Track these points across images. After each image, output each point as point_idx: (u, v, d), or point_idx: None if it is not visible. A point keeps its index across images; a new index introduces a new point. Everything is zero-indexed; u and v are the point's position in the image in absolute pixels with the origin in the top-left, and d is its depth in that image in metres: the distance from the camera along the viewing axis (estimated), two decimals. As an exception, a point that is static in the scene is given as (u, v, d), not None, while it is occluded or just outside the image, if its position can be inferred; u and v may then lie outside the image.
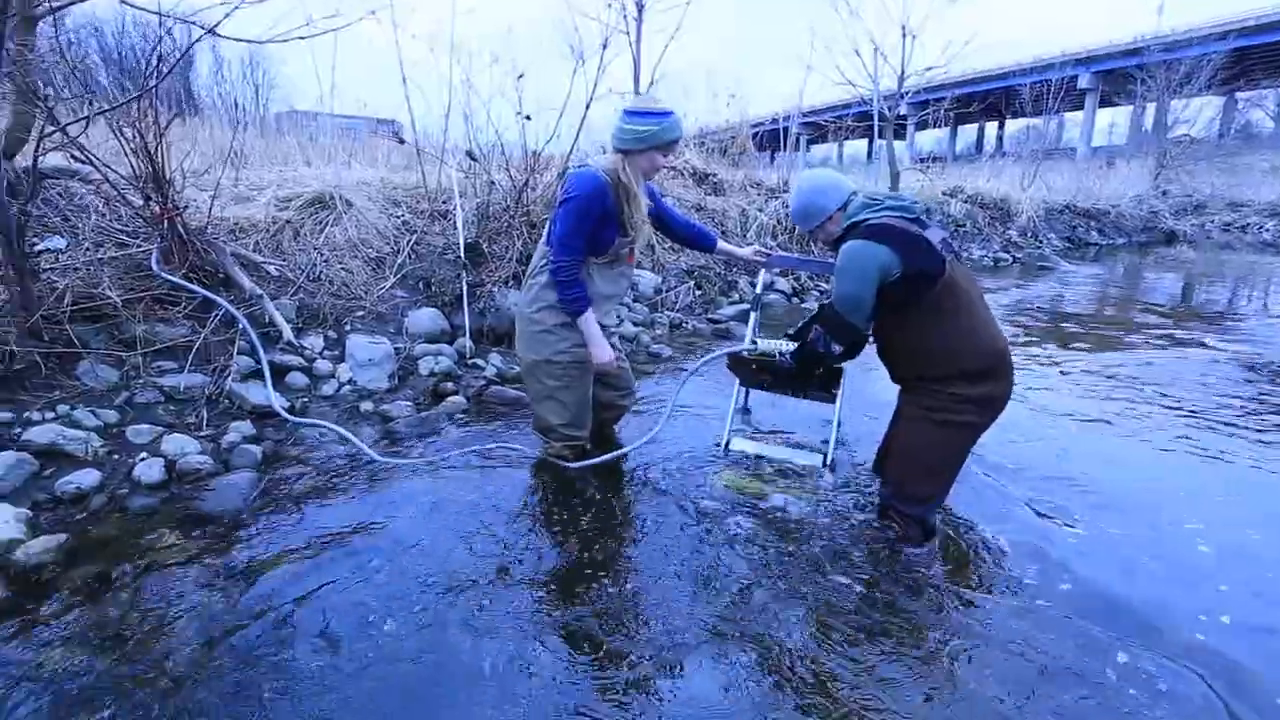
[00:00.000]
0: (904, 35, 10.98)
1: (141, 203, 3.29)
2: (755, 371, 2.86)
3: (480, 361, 3.88)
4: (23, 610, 1.78)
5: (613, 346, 2.73)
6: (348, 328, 3.71)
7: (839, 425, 2.87)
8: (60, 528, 2.14)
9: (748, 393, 3.29)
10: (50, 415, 2.55)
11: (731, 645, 1.73)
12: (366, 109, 8.11)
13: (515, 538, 2.22)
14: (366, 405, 3.25)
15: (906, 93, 11.72)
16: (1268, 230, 17.24)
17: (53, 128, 2.86)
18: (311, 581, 1.93)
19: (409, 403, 3.34)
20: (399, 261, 4.29)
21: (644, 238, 2.55)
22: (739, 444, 2.93)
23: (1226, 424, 3.41)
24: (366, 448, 2.77)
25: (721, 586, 1.98)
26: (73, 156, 3.25)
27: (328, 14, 3.32)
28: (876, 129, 12.24)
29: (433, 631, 1.74)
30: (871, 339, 2.23)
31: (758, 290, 3.23)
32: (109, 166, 3.23)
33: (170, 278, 3.18)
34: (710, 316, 5.72)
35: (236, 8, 3.06)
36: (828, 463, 2.75)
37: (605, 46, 5.17)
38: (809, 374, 2.59)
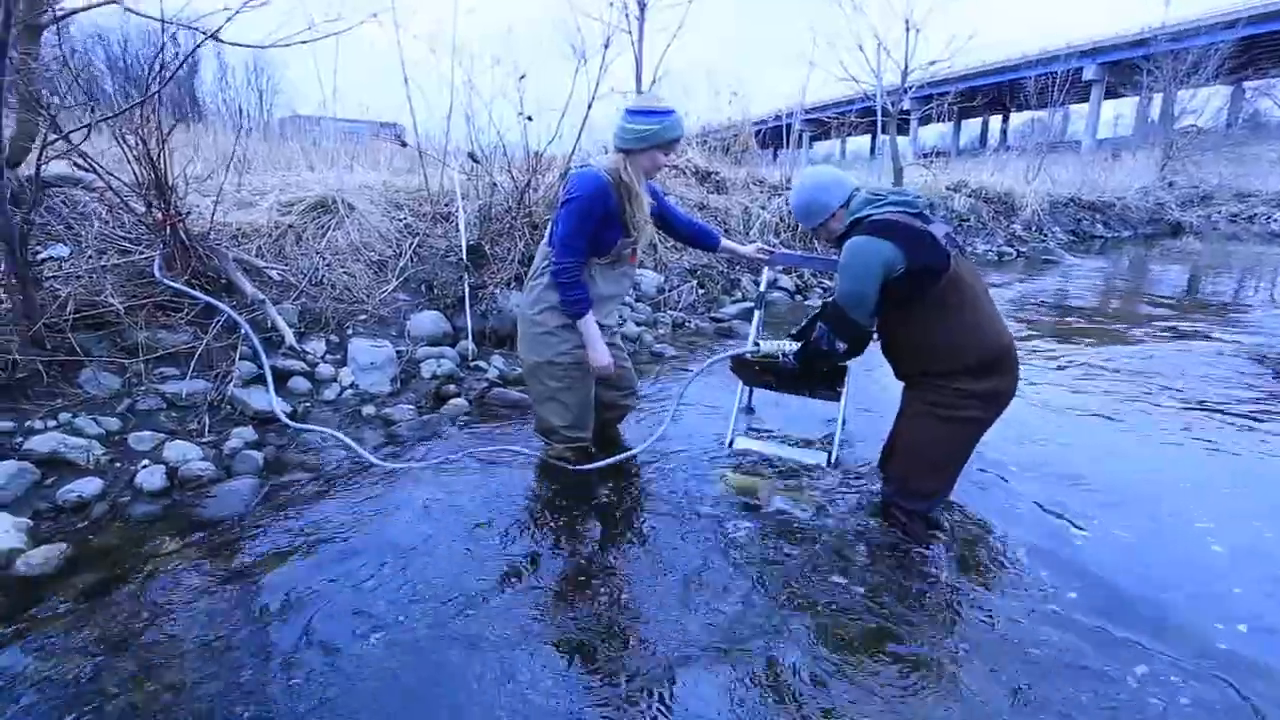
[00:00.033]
0: (907, 29, 10.92)
1: (144, 209, 3.29)
2: (758, 373, 2.85)
3: (483, 363, 3.87)
4: (24, 619, 1.77)
5: (615, 346, 2.72)
6: (350, 331, 3.71)
7: (843, 423, 2.85)
8: (61, 536, 2.14)
9: (751, 391, 3.27)
10: (52, 424, 2.55)
11: (734, 652, 1.71)
12: (369, 113, 8.12)
13: (516, 542, 2.21)
14: (369, 409, 3.25)
15: (910, 87, 11.67)
16: (1276, 220, 17.09)
17: (55, 136, 2.87)
18: (313, 588, 1.93)
19: (411, 406, 3.33)
20: (401, 264, 4.29)
21: (646, 237, 2.53)
22: (743, 442, 2.91)
23: (1233, 417, 3.37)
24: (367, 453, 2.77)
25: (724, 590, 1.96)
26: (76, 164, 3.26)
27: (330, 18, 3.32)
28: (880, 124, 12.19)
29: (432, 639, 1.73)
30: (875, 336, 2.21)
31: (761, 288, 3.21)
32: (112, 174, 3.24)
33: (172, 284, 3.18)
34: (713, 315, 5.70)
35: (237, 12, 3.07)
36: (832, 460, 2.73)
37: (607, 46, 5.16)
38: (813, 373, 2.57)
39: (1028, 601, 1.92)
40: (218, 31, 2.96)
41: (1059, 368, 4.30)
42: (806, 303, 6.65)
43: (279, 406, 2.99)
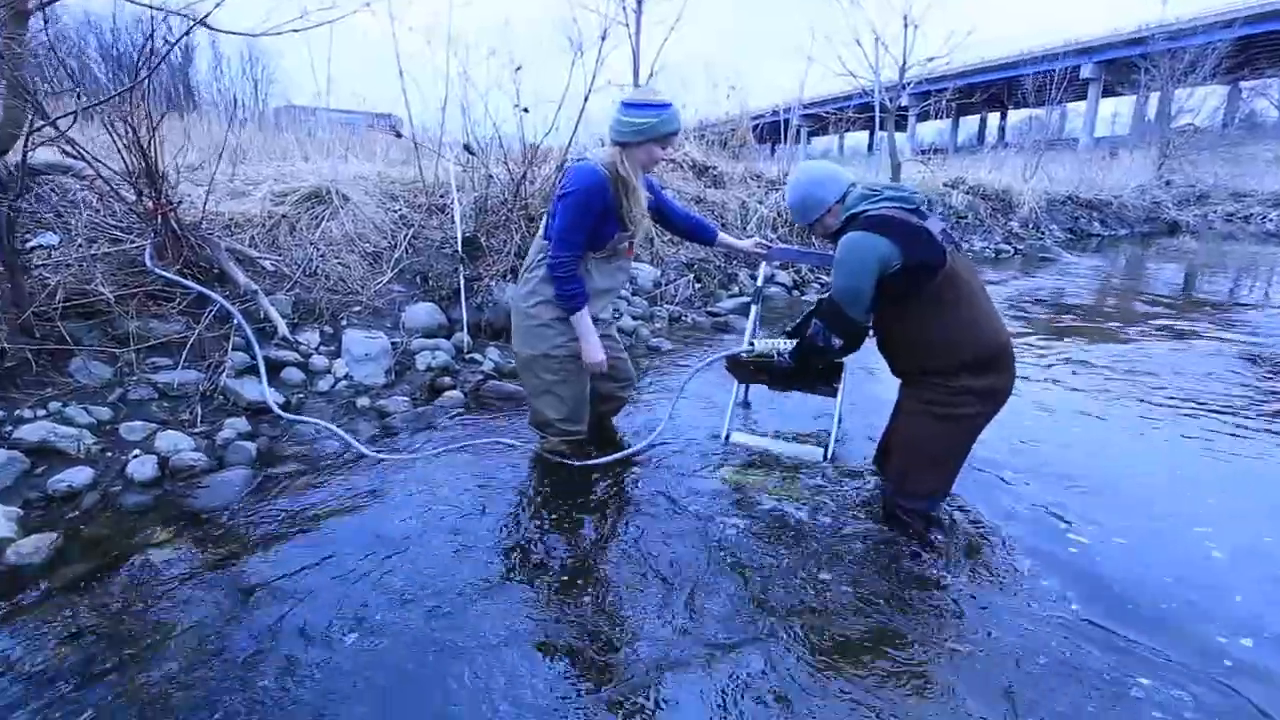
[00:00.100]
0: (906, 25, 10.90)
1: (135, 198, 3.26)
2: (754, 372, 2.84)
3: (478, 356, 3.85)
4: (13, 609, 1.76)
5: (610, 338, 2.71)
6: (344, 323, 3.68)
7: (840, 419, 2.85)
8: (52, 526, 2.12)
9: (748, 386, 3.27)
10: (42, 413, 2.53)
11: (724, 653, 1.69)
12: (365, 103, 8.07)
13: (508, 537, 2.20)
14: (363, 401, 3.23)
15: (908, 83, 11.65)
16: (1271, 220, 17.14)
17: (42, 122, 2.83)
18: (303, 580, 1.92)
19: (406, 398, 3.31)
20: (396, 256, 4.26)
21: (643, 231, 2.52)
22: (739, 437, 2.91)
23: (1230, 416, 3.37)
24: (360, 445, 2.75)
25: (716, 590, 1.94)
26: (64, 151, 3.23)
27: (323, 5, 3.28)
28: (878, 120, 12.17)
29: (421, 635, 1.72)
30: (871, 332, 2.20)
31: (758, 283, 3.20)
32: (101, 161, 3.20)
33: (164, 273, 3.15)
34: (710, 310, 5.69)
35: (227, -3, 3.02)
36: (828, 455, 2.73)
37: (604, 38, 5.12)
38: (809, 370, 2.56)
39: (1027, 603, 1.90)
40: (206, 17, 2.91)
41: (1056, 366, 4.30)
42: (804, 298, 6.64)
43: (272, 397, 2.97)
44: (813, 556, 2.09)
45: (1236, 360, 4.42)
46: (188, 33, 3.14)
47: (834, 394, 2.84)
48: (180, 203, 3.40)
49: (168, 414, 2.78)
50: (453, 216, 4.32)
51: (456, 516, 2.30)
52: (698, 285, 6.00)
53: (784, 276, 6.96)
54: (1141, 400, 3.61)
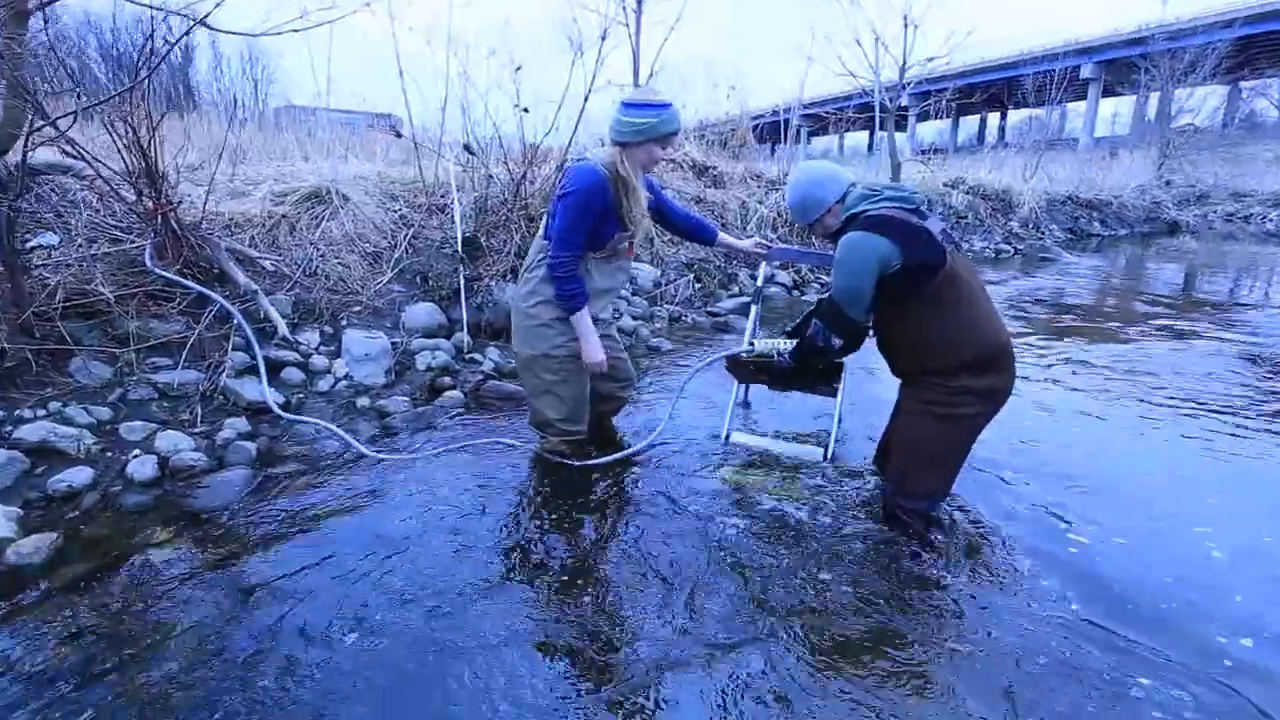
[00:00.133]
0: (906, 25, 10.90)
1: (135, 198, 3.26)
2: (754, 372, 2.84)
3: (478, 356, 3.85)
4: (13, 609, 1.76)
5: (610, 338, 2.72)
6: (344, 323, 3.68)
7: (840, 419, 2.85)
8: (52, 526, 2.12)
9: (748, 386, 3.27)
10: (42, 413, 2.53)
11: (724, 654, 1.69)
12: (365, 103, 8.07)
13: (507, 537, 2.20)
14: (363, 401, 3.23)
15: (908, 83, 11.65)
16: (1271, 220, 17.14)
17: (42, 122, 2.83)
18: (303, 580, 1.92)
19: (406, 398, 3.31)
20: (396, 256, 4.26)
21: (643, 231, 2.51)
22: (739, 437, 2.91)
23: (1229, 416, 3.37)
24: (360, 445, 2.75)
25: (716, 590, 1.94)
26: (64, 151, 3.23)
27: (323, 5, 3.28)
28: (878, 120, 12.17)
29: (420, 635, 1.72)
30: (871, 332, 2.20)
31: (758, 283, 3.20)
32: (101, 161, 3.20)
33: (164, 273, 3.15)
34: (710, 310, 5.69)
35: (227, -4, 3.02)
36: (828, 455, 2.73)
37: (604, 38, 5.12)
38: (808, 370, 2.56)
39: (1027, 603, 1.90)
40: (206, 17, 2.91)
41: (1056, 366, 4.30)
42: (804, 298, 6.64)
43: (272, 397, 2.97)
44: (813, 556, 2.09)
45: (1236, 360, 4.42)
46: (188, 33, 3.14)
47: (834, 394, 2.84)
48: (180, 203, 3.40)
49: (168, 414, 2.78)
50: (453, 216, 4.32)
51: (456, 516, 2.30)
52: (698, 285, 6.00)
53: (784, 276, 6.96)
54: (1141, 400, 3.61)
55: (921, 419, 2.15)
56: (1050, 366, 4.26)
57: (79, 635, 1.67)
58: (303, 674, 1.57)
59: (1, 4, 2.74)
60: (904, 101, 12.44)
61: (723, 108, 9.75)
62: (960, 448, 2.18)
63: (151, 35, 3.14)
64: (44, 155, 3.37)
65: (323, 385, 3.28)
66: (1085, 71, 32.49)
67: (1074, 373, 4.13)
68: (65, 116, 2.93)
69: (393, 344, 3.63)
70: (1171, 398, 3.65)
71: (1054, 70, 17.13)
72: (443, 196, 4.76)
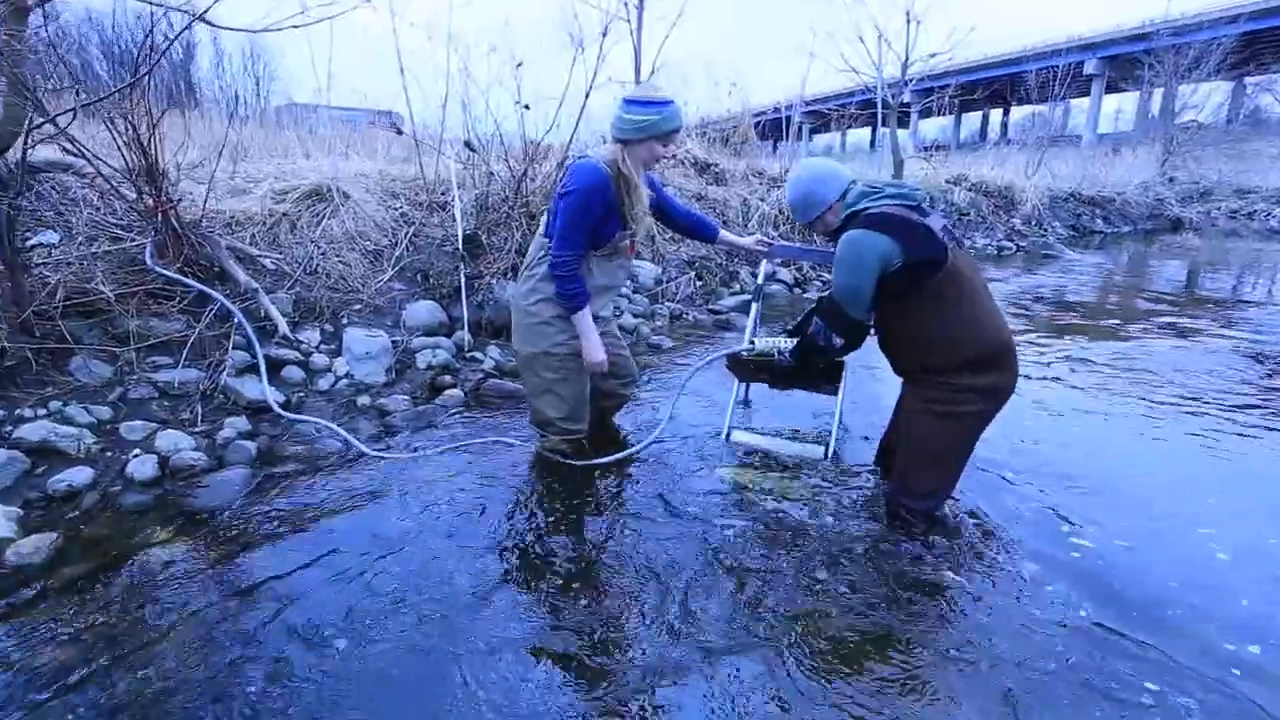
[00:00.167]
0: (908, 21, 10.85)
1: (135, 196, 3.25)
2: (754, 371, 2.83)
3: (479, 354, 3.84)
4: (13, 609, 1.76)
5: (611, 335, 2.71)
6: (345, 321, 3.68)
7: (840, 416, 2.84)
8: (52, 525, 2.12)
9: (749, 385, 3.26)
10: (42, 412, 2.53)
11: (723, 657, 1.68)
12: (366, 100, 8.05)
13: (506, 537, 2.19)
14: (363, 399, 3.23)
15: (910, 80, 11.60)
16: (1275, 217, 17.07)
17: (41, 119, 2.82)
18: (302, 581, 1.91)
19: (406, 396, 3.31)
20: (397, 254, 4.25)
21: (644, 229, 2.50)
22: (740, 436, 2.90)
23: (1232, 415, 3.36)
24: (360, 444, 2.75)
25: (715, 592, 1.93)
26: (64, 149, 3.22)
27: (323, 1, 3.27)
28: (880, 117, 12.13)
29: (419, 638, 1.71)
30: (872, 330, 2.19)
31: (759, 281, 3.19)
32: (101, 159, 3.19)
33: (165, 272, 3.14)
34: (711, 307, 5.67)
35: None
36: (829, 454, 2.72)
37: (605, 34, 5.10)
38: (809, 369, 2.55)
39: (1030, 606, 1.89)
40: (205, 12, 2.90)
41: (1058, 364, 4.29)
42: (805, 295, 6.62)
43: (272, 396, 2.97)
44: (813, 557, 2.08)
45: (1239, 358, 4.40)
46: (187, 28, 3.13)
47: (835, 392, 2.83)
48: (181, 200, 3.40)
49: (168, 413, 2.78)
50: (453, 214, 4.31)
51: (455, 516, 2.29)
52: (699, 283, 5.99)
53: (786, 274, 6.94)
54: (1143, 399, 3.60)
55: (923, 417, 2.15)
56: (1052, 364, 4.24)
57: (78, 635, 1.67)
58: (300, 676, 1.57)
59: (2, 0, 2.73)
60: (906, 98, 12.40)
61: (724, 104, 9.73)
62: (962, 446, 2.17)
63: (151, 31, 3.13)
64: (44, 153, 3.36)
65: (323, 384, 3.28)
66: (1089, 67, 32.34)
67: (1073, 370, 4.11)
68: (65, 114, 2.93)
69: (393, 342, 3.63)
70: (1173, 396, 3.64)
71: (1057, 66, 17.08)
72: (443, 194, 4.74)
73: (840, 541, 2.17)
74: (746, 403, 3.36)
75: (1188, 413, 3.39)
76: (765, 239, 2.87)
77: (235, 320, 3.14)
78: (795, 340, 2.44)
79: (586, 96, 4.74)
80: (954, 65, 16.00)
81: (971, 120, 45.20)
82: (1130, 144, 20.86)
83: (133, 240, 3.27)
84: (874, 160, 13.03)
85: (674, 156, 7.53)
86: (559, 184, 2.42)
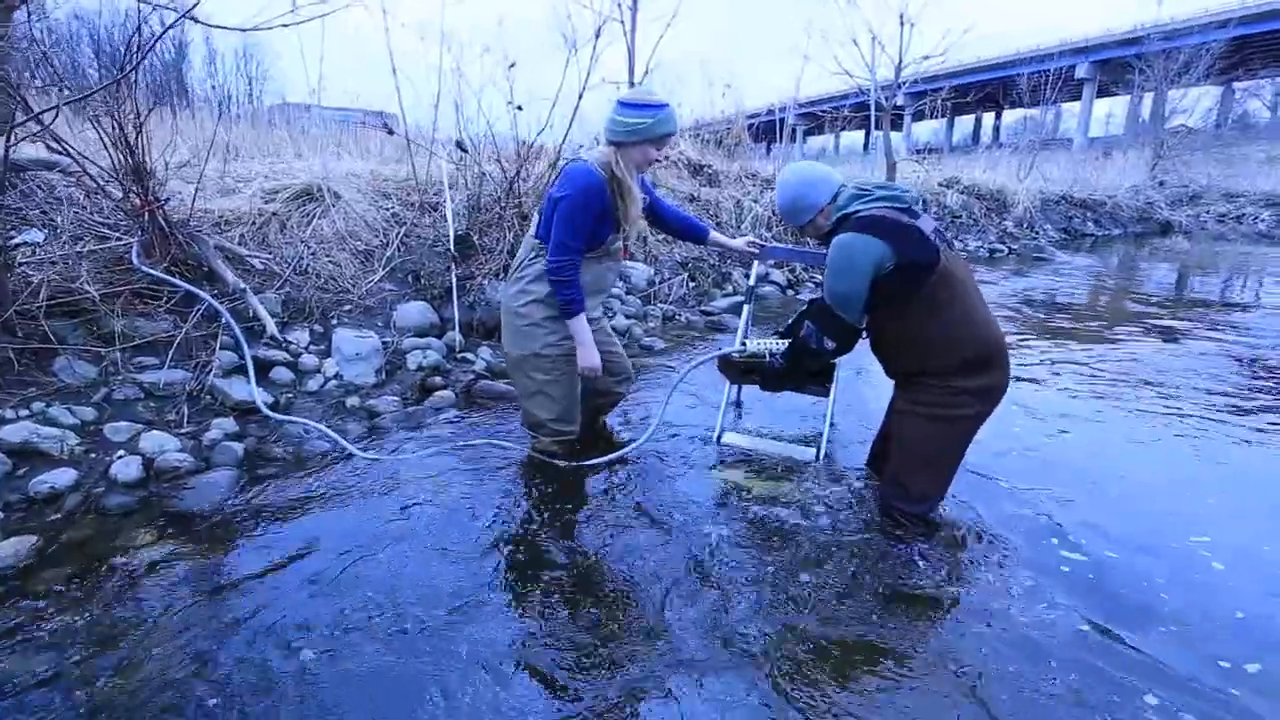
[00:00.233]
0: (902, 23, 10.89)
1: (122, 195, 3.22)
2: (745, 373, 2.82)
3: (470, 355, 3.82)
4: (-9, 614, 1.73)
5: (604, 332, 2.70)
6: (334, 321, 3.65)
7: (832, 419, 2.84)
8: (32, 529, 2.08)
9: (740, 386, 3.25)
10: (24, 413, 2.49)
11: (715, 662, 1.66)
12: (358, 100, 8.01)
13: (496, 540, 2.17)
14: (353, 400, 3.20)
15: (904, 83, 11.64)
16: (1263, 221, 17.24)
17: (24, 116, 2.79)
18: (289, 584, 1.89)
19: (396, 398, 3.28)
20: (388, 254, 4.22)
21: (637, 231, 2.50)
22: (731, 438, 2.89)
23: (1222, 417, 3.38)
24: (349, 445, 2.72)
25: (707, 595, 1.92)
26: (49, 147, 3.18)
27: (313, 0, 3.24)
28: (873, 120, 12.17)
29: (407, 642, 1.69)
30: (864, 333, 2.18)
31: (751, 283, 3.18)
32: (87, 158, 3.15)
33: (151, 271, 3.11)
34: (703, 309, 5.67)
35: (213, -13, 2.98)
36: (820, 456, 2.71)
37: (599, 35, 5.08)
38: (800, 371, 2.54)
39: (1024, 610, 1.87)
40: (192, 9, 2.87)
41: (1049, 366, 4.30)
42: (798, 297, 6.63)
43: (260, 397, 2.93)
44: (803, 561, 2.07)
45: (1228, 361, 4.43)
46: (173, 25, 3.09)
47: (826, 394, 2.82)
48: (168, 200, 3.36)
49: (153, 414, 2.75)
50: (445, 214, 4.29)
51: (444, 519, 2.27)
52: (692, 284, 5.98)
53: (778, 275, 6.95)
54: (1134, 401, 3.61)
55: (915, 420, 2.14)
56: (1043, 367, 4.26)
57: (59, 639, 1.64)
58: (277, 682, 1.54)
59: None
60: (900, 101, 12.43)
61: (718, 106, 9.72)
62: (954, 449, 2.17)
63: (138, 28, 3.09)
64: (29, 151, 3.33)
65: (312, 385, 3.25)
66: (1080, 71, 32.61)
67: (1064, 373, 4.13)
68: (48, 111, 2.89)
69: (383, 343, 3.60)
70: (1164, 398, 3.65)
71: (1049, 70, 17.16)
72: (435, 194, 4.72)
73: (831, 545, 2.16)
74: (738, 404, 3.35)
75: (1178, 415, 3.40)
76: (757, 240, 2.87)
77: (223, 320, 3.11)
78: (787, 342, 2.43)
79: (580, 97, 4.72)
80: (947, 69, 16.09)
81: (964, 123, 45.49)
82: (1121, 148, 21.02)
83: (119, 239, 3.23)
84: (868, 162, 13.06)
85: (667, 158, 7.52)
86: (552, 186, 2.41)
